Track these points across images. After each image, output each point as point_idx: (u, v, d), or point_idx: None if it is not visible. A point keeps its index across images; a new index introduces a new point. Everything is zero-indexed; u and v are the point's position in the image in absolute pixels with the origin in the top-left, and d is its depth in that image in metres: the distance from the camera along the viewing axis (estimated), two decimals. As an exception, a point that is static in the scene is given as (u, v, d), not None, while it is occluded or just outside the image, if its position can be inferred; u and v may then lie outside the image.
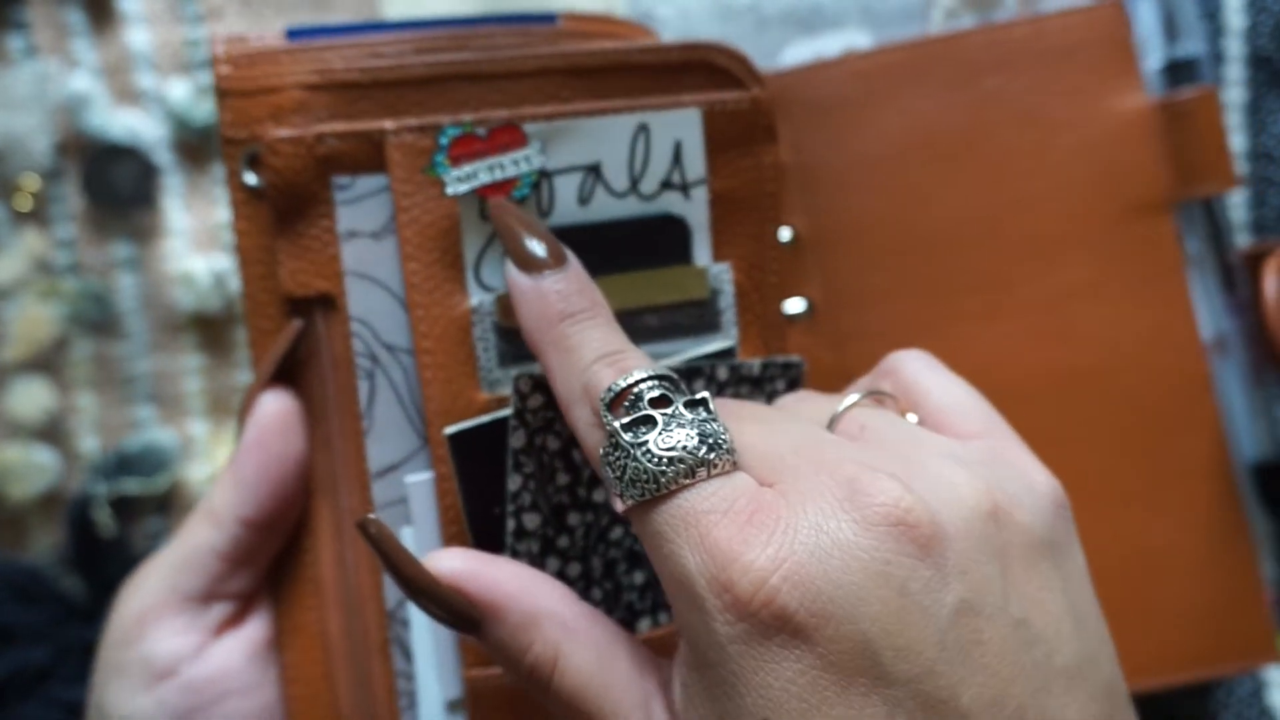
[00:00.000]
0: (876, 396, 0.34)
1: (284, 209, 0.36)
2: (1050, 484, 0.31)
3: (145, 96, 0.53)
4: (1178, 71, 0.48)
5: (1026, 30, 0.47)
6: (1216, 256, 0.48)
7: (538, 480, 0.35)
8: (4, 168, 0.53)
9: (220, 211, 0.54)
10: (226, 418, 0.54)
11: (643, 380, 0.30)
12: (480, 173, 0.36)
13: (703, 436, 0.28)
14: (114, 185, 0.52)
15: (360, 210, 0.37)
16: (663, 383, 0.30)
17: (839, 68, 0.48)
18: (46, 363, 0.53)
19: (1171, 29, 0.48)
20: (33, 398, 0.52)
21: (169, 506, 0.54)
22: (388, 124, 0.36)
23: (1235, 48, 0.54)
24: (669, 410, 0.29)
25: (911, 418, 0.33)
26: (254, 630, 0.38)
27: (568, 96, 0.37)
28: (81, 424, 0.53)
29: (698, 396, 0.30)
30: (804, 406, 0.34)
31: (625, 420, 0.29)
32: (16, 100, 0.52)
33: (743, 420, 0.31)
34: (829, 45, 0.51)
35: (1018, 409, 0.47)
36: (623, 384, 0.30)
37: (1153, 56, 0.49)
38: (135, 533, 0.53)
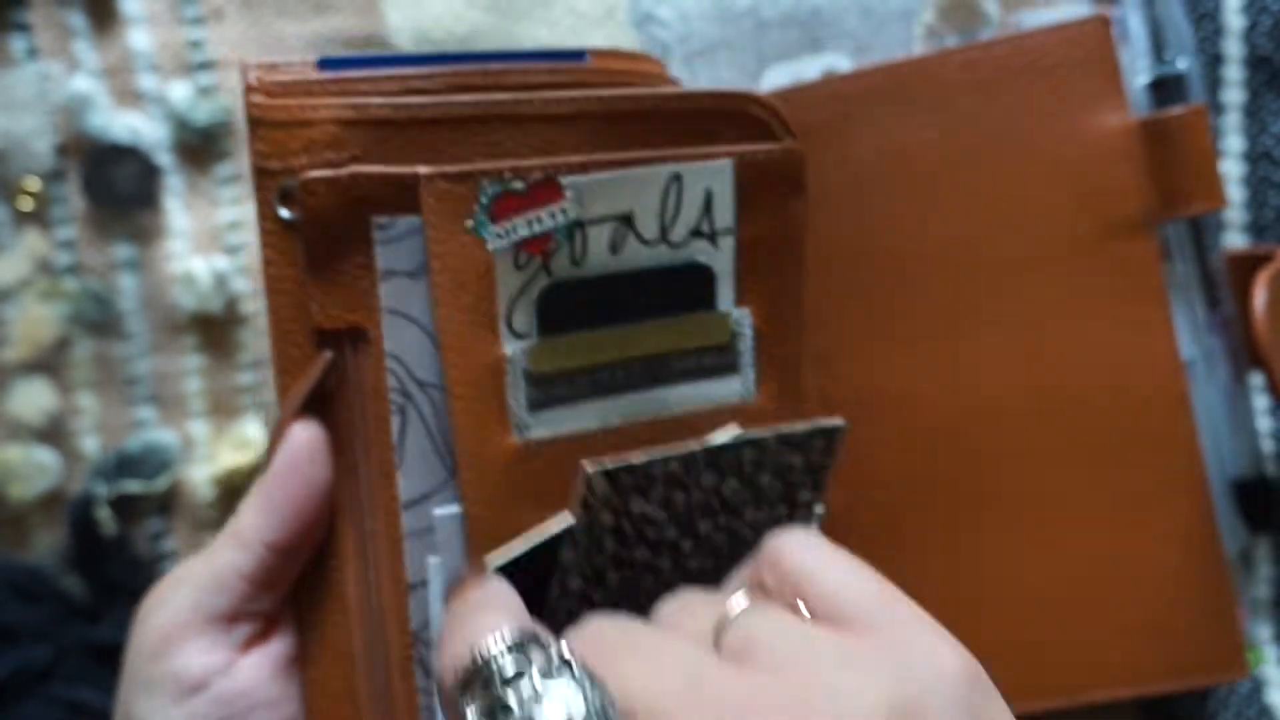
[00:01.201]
0: (760, 592, 0.32)
1: (317, 245, 0.36)
2: (959, 661, 0.29)
3: (146, 98, 0.54)
4: (1165, 88, 0.48)
5: (1005, 49, 0.47)
6: (1201, 274, 0.48)
7: (588, 551, 0.36)
8: (6, 169, 0.53)
9: (221, 212, 0.54)
10: (227, 418, 0.54)
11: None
12: (519, 228, 0.36)
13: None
14: (115, 186, 0.53)
15: (399, 249, 0.37)
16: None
17: (817, 91, 0.48)
18: (47, 363, 0.53)
19: (1159, 44, 0.48)
20: (34, 398, 0.53)
21: (170, 507, 0.54)
22: (422, 170, 0.36)
23: (1234, 48, 0.54)
24: (528, 689, 0.27)
25: (801, 607, 0.31)
26: (279, 647, 0.38)
27: (601, 142, 0.38)
28: (82, 424, 0.53)
29: (563, 655, 0.28)
30: (686, 618, 0.32)
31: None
32: (18, 102, 0.53)
33: (620, 660, 0.29)
34: (809, 69, 0.52)
35: (992, 426, 0.47)
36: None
37: (1144, 73, 0.49)
38: (136, 533, 0.53)
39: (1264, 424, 0.54)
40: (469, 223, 0.36)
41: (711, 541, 0.38)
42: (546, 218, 0.37)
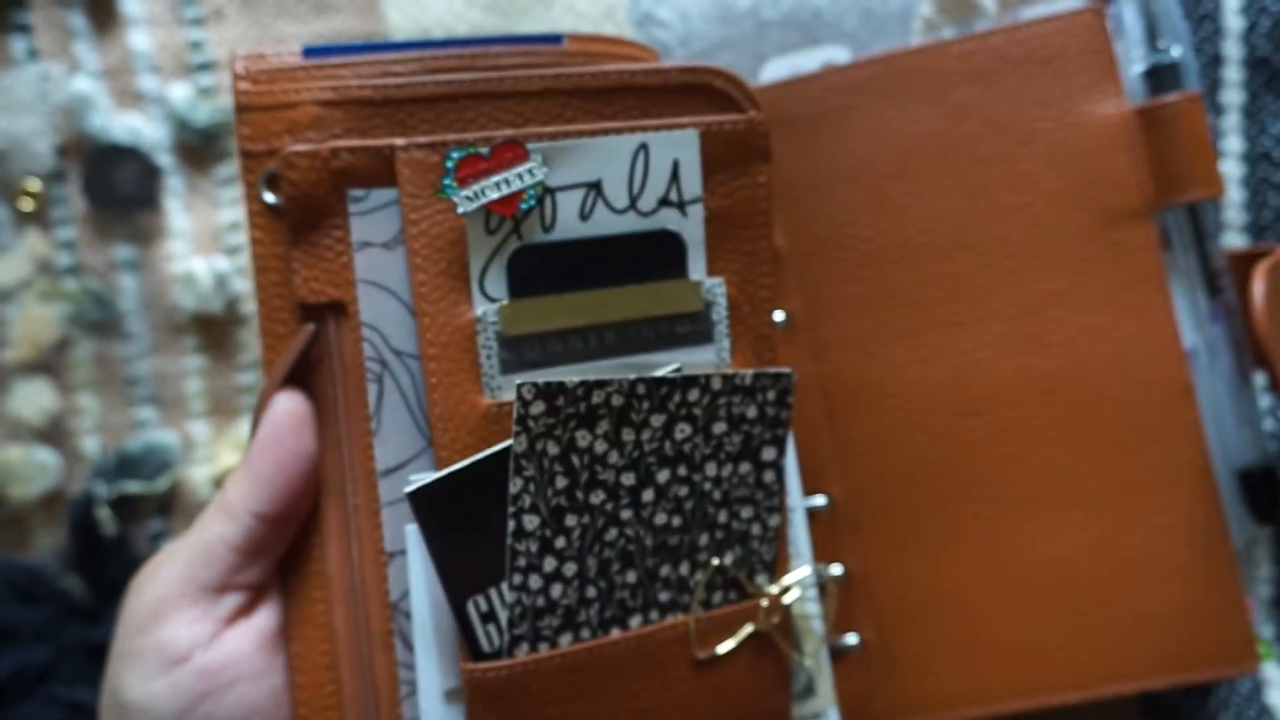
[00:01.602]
0: None
1: (299, 220, 0.38)
2: None
3: (146, 98, 0.54)
4: (1160, 76, 0.48)
5: (1002, 40, 0.48)
6: (1201, 262, 0.48)
7: (537, 483, 0.36)
8: (6, 169, 0.53)
9: (221, 213, 0.54)
10: (227, 419, 0.54)
11: None
12: (488, 190, 0.37)
13: None
14: (115, 187, 0.53)
15: (373, 221, 0.38)
16: None
17: (815, 83, 0.49)
18: (48, 364, 0.53)
19: (1153, 33, 0.48)
20: (34, 398, 0.53)
21: (170, 507, 0.54)
22: (398, 141, 0.38)
23: (1233, 49, 0.54)
24: None
25: None
26: (263, 620, 0.39)
27: (572, 116, 0.39)
28: (83, 425, 0.53)
29: None
30: None
31: None
32: (19, 102, 0.53)
33: None
34: (807, 61, 0.52)
35: (993, 415, 0.47)
36: None
37: (1139, 61, 0.49)
38: (136, 533, 0.54)
39: (1268, 425, 0.54)
40: (439, 187, 0.37)
41: (674, 494, 0.39)
42: (514, 179, 0.38)
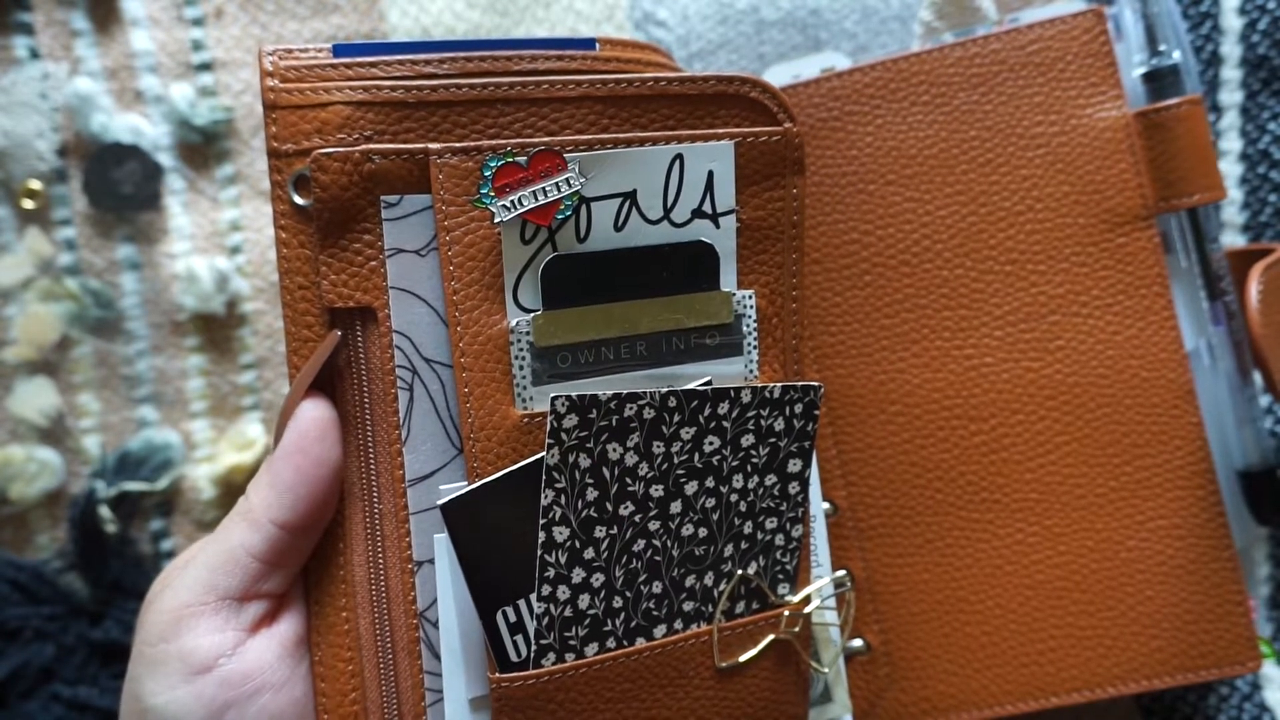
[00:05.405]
0: None
1: (328, 223, 0.37)
2: None
3: (147, 98, 0.54)
4: (1160, 79, 0.48)
5: (1001, 44, 0.48)
6: (1202, 265, 0.48)
7: (568, 495, 0.37)
8: (8, 169, 0.53)
9: (222, 213, 0.54)
10: (228, 418, 0.54)
11: None
12: (524, 199, 0.37)
13: None
14: (117, 187, 0.53)
15: (406, 227, 0.38)
16: None
17: (815, 89, 0.49)
18: (49, 363, 0.53)
19: (1153, 36, 0.48)
20: (36, 398, 0.53)
21: (171, 506, 0.54)
22: (433, 145, 0.37)
23: (1232, 49, 0.54)
24: None
25: None
26: (286, 628, 0.38)
27: (606, 124, 0.39)
28: (84, 424, 0.53)
29: None
30: None
31: None
32: (20, 102, 0.53)
33: None
34: (807, 68, 0.52)
35: (996, 420, 0.47)
36: None
37: (1139, 65, 0.49)
38: (137, 532, 0.54)
39: (1268, 424, 0.54)
40: (475, 195, 0.37)
41: (701, 506, 0.39)
42: (551, 189, 0.37)
